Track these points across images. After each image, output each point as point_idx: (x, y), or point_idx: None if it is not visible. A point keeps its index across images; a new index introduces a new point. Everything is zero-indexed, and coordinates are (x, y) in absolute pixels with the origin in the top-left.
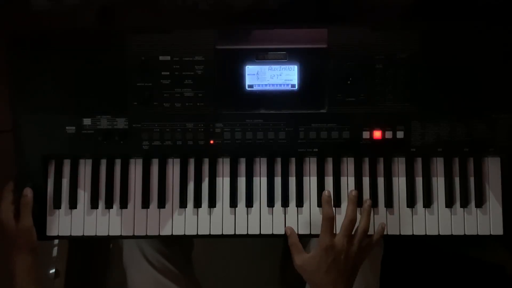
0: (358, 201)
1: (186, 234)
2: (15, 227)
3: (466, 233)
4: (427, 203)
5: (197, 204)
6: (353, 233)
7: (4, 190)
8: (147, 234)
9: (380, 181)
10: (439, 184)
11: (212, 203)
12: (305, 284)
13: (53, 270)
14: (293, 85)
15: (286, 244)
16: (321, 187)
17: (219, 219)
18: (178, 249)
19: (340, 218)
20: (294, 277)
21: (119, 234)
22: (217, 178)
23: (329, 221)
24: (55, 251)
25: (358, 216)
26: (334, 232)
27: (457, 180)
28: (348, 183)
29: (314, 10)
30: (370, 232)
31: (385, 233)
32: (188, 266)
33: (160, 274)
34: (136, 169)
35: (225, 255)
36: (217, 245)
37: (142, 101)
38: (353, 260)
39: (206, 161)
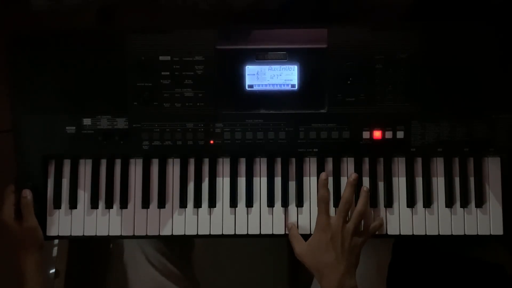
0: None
1: (186, 234)
2: (18, 228)
3: (466, 233)
4: (427, 203)
5: (197, 204)
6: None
7: (5, 192)
8: (147, 234)
9: (380, 181)
10: (439, 184)
11: (212, 203)
12: (310, 286)
13: (53, 270)
14: (293, 85)
15: (289, 245)
16: (318, 182)
17: (219, 219)
18: (179, 250)
19: None
20: (297, 279)
21: (119, 234)
22: (217, 178)
23: (324, 203)
24: (55, 251)
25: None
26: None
27: (457, 180)
28: None
29: (314, 10)
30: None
31: (385, 233)
32: (188, 266)
33: (161, 275)
34: (136, 169)
35: (225, 256)
36: (217, 245)
37: (142, 101)
38: (350, 241)
39: (206, 161)
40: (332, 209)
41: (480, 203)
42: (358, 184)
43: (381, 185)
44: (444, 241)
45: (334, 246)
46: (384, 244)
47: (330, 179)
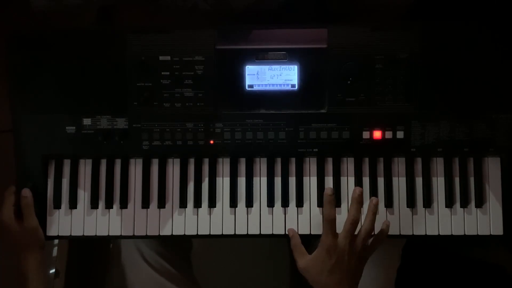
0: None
1: (186, 234)
2: (19, 228)
3: (466, 233)
4: (427, 203)
5: (197, 204)
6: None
7: (5, 193)
8: (147, 234)
9: (380, 181)
10: (439, 184)
11: (212, 203)
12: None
13: (53, 270)
14: (293, 85)
15: (290, 245)
16: (321, 187)
17: (219, 219)
18: (176, 250)
19: (340, 218)
20: (297, 279)
21: (119, 234)
22: (217, 178)
23: (330, 222)
24: (55, 251)
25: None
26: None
27: (457, 180)
28: (348, 183)
29: (314, 10)
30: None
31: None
32: (187, 266)
33: (159, 275)
34: (136, 169)
35: (225, 256)
36: (217, 245)
37: (142, 101)
38: (356, 260)
39: (206, 161)
40: (336, 224)
41: (480, 203)
42: (358, 185)
43: (381, 185)
44: (444, 241)
45: (340, 269)
46: (393, 248)
47: (330, 180)
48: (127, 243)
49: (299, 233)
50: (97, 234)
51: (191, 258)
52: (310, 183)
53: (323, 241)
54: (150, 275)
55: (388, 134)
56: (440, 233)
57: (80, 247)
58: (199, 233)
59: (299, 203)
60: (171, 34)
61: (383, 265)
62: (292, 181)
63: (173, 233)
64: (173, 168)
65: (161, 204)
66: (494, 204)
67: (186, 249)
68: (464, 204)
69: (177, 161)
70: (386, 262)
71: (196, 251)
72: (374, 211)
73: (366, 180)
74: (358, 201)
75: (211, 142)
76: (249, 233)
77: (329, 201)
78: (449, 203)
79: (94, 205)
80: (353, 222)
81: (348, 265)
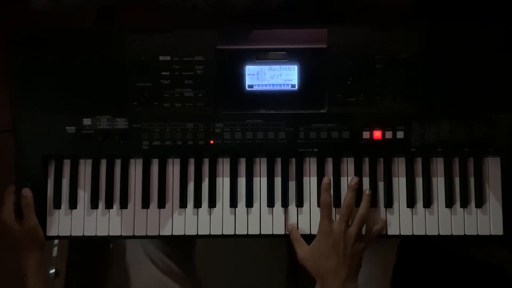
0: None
1: (186, 234)
2: (19, 228)
3: (466, 233)
4: (427, 203)
5: (197, 204)
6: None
7: (5, 193)
8: (147, 234)
9: (380, 181)
10: (439, 184)
11: (212, 203)
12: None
13: (53, 270)
14: (293, 85)
15: (289, 245)
16: (321, 187)
17: (219, 219)
18: (181, 249)
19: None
20: (297, 279)
21: (119, 234)
22: (217, 178)
23: (327, 208)
24: (55, 251)
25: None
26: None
27: (457, 180)
28: (348, 183)
29: (314, 10)
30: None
31: (385, 233)
32: (190, 266)
33: (164, 274)
34: (136, 169)
35: (227, 256)
36: (219, 245)
37: (142, 101)
38: (353, 246)
39: (206, 161)
40: (332, 210)
41: (480, 203)
42: (359, 186)
43: (381, 185)
44: (443, 241)
45: (336, 251)
46: (389, 246)
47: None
48: (132, 241)
49: (299, 233)
50: (97, 234)
51: (194, 257)
52: (310, 183)
53: (320, 226)
54: (154, 273)
55: (388, 134)
56: (440, 233)
57: (80, 247)
58: (199, 233)
59: (299, 203)
60: (171, 34)
61: (379, 263)
62: (292, 181)
63: (173, 233)
64: (173, 168)
65: (161, 204)
66: (494, 204)
67: (190, 248)
68: (464, 204)
69: (177, 161)
70: (382, 260)
71: (198, 251)
72: (368, 199)
73: (366, 181)
74: (354, 189)
75: (211, 142)
76: (249, 233)
77: (326, 188)
78: (449, 203)
79: (94, 205)
80: (348, 206)
81: (344, 250)
